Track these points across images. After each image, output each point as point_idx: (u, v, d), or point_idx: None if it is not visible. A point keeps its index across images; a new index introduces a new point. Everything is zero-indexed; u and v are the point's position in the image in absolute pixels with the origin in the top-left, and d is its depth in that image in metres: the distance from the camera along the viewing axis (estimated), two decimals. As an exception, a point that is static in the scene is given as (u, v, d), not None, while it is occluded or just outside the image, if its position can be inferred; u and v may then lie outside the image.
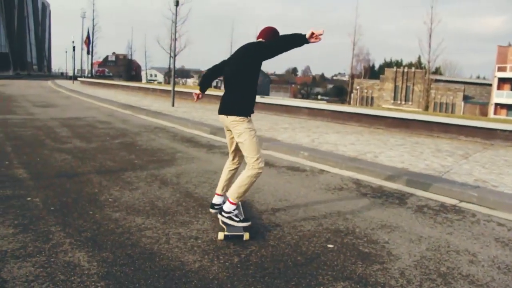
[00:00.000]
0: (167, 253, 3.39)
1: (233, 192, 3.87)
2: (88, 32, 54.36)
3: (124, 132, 9.97)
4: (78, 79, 48.27)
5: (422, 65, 73.35)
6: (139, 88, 29.95)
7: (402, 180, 6.14)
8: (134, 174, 5.88)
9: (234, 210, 3.87)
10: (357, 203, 5.04)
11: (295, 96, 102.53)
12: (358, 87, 67.37)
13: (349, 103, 65.63)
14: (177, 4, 16.39)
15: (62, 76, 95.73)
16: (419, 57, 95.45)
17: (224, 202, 4.06)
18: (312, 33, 3.51)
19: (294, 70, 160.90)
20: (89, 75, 60.89)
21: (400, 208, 4.96)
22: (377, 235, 4.04)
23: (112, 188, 5.12)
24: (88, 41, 52.64)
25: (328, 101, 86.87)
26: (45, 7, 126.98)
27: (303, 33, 3.56)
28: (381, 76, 67.01)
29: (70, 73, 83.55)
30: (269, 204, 4.83)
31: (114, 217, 4.12)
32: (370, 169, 6.65)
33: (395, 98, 64.11)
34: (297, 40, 3.58)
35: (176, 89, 17.94)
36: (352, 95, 70.42)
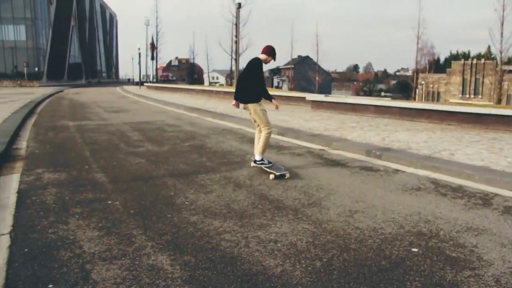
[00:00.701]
0: (247, 257, 3.35)
1: (257, 149, 6.39)
2: (152, 38, 56.26)
3: (193, 135, 10.15)
4: (144, 84, 50.05)
5: (493, 56, 69.32)
6: (203, 91, 30.53)
7: (484, 179, 5.76)
8: (207, 176, 5.94)
9: (262, 159, 6.31)
10: (437, 204, 4.78)
11: (357, 94, 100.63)
12: (423, 82, 64.95)
13: (414, 99, 63.55)
14: (239, 6, 16.49)
15: (129, 82, 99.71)
16: (489, 47, 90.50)
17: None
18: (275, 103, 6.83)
19: (356, 67, 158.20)
20: (154, 80, 62.94)
21: (485, 209, 4.64)
22: (463, 238, 3.79)
23: (187, 191, 5.18)
24: (152, 47, 54.43)
25: (392, 98, 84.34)
26: (112, 17, 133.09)
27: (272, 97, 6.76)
28: (447, 69, 64.14)
29: (136, 79, 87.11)
30: (346, 206, 4.69)
31: (192, 220, 4.15)
32: (447, 168, 6.30)
33: (463, 92, 61.12)
34: (267, 95, 6.68)
35: (240, 90, 18.08)
36: (417, 90, 68.03)
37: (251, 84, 6.40)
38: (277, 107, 6.90)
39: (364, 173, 6.28)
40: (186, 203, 4.72)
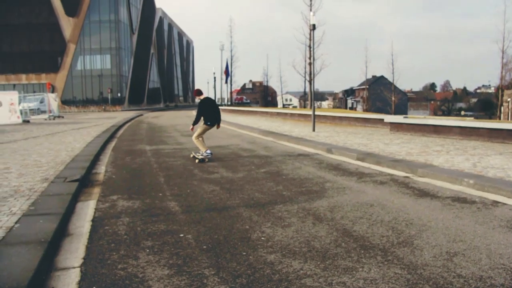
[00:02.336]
0: (334, 310, 2.90)
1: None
2: (226, 62, 57.53)
3: (269, 160, 9.85)
4: (219, 107, 51.04)
5: None
6: (277, 114, 30.43)
7: None
8: (284, 207, 5.54)
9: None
10: (558, 247, 4.03)
11: (435, 113, 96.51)
12: (509, 100, 60.63)
13: (499, 118, 59.42)
14: (313, 28, 16.18)
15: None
16: None
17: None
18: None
19: (432, 85, 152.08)
20: (229, 103, 64.13)
21: None
22: None
23: (263, 225, 4.81)
24: (227, 71, 55.57)
25: (473, 117, 79.84)
26: (189, 44, 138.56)
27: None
28: (538, 85, 59.51)
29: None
30: (442, 246, 4.08)
31: (269, 260, 3.76)
32: (562, 200, 5.46)
33: (558, 109, 56.34)
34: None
35: (315, 113, 17.60)
36: (502, 108, 63.73)
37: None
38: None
39: (457, 206, 5.58)
40: (262, 238, 4.34)
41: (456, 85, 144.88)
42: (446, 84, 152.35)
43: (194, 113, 46.26)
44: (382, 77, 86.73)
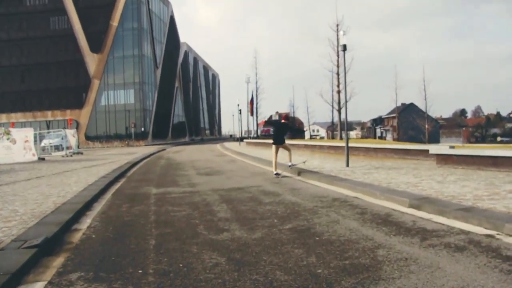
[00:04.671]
0: None
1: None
2: (252, 94, 56.12)
3: (296, 210, 7.72)
4: (244, 140, 49.31)
5: None
6: (305, 146, 28.40)
7: None
8: (322, 307, 3.45)
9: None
10: None
11: (468, 140, 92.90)
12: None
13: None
14: (344, 48, 14.25)
15: (231, 138, 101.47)
16: None
17: None
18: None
19: (463, 111, 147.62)
20: (255, 135, 62.40)
21: None
22: None
23: None
24: (252, 103, 54.06)
25: (509, 143, 76.24)
26: (214, 77, 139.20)
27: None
28: None
29: (238, 135, 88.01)
30: None
31: None
32: None
33: None
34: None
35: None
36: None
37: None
38: None
39: None
40: None
41: (487, 110, 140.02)
42: (478, 110, 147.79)
43: (218, 147, 44.86)
44: (412, 104, 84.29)
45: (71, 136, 32.19)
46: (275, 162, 13.45)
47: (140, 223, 7.04)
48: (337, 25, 34.92)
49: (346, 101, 15.71)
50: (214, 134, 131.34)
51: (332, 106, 41.25)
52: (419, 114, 70.90)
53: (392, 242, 5.29)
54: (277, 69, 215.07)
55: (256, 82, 61.78)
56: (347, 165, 14.26)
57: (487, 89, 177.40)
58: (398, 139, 65.87)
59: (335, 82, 35.02)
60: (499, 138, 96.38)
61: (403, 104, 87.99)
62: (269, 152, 26.68)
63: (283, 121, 14.01)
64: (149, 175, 15.68)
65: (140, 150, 37.90)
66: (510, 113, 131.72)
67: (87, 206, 8.80)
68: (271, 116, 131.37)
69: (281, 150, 13.68)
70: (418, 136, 67.45)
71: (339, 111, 35.35)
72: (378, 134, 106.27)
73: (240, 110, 51.68)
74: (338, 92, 34.77)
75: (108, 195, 10.63)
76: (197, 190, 10.77)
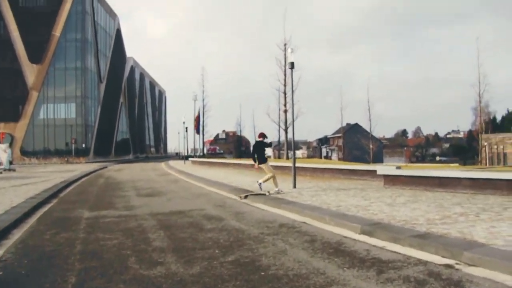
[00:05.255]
0: None
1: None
2: (199, 112, 55.21)
3: (240, 237, 7.05)
4: (190, 159, 48.24)
5: None
6: (252, 166, 27.82)
7: None
8: None
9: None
10: None
11: (410, 160, 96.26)
12: (486, 144, 59.86)
13: (480, 163, 58.36)
14: (292, 66, 13.91)
15: (177, 156, 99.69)
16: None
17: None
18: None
19: (404, 132, 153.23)
20: (201, 154, 61.37)
21: None
22: None
23: None
24: (198, 121, 53.14)
25: (447, 162, 79.56)
26: (161, 93, 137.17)
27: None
28: (514, 128, 59.06)
29: (184, 153, 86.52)
30: None
31: None
32: None
33: (534, 152, 55.58)
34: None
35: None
36: (480, 153, 62.86)
37: None
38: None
39: None
40: None
41: (426, 131, 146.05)
42: (417, 130, 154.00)
43: (162, 165, 43.49)
44: (356, 124, 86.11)
45: (2, 152, 30.01)
46: (271, 178, 13.11)
47: (63, 255, 6.14)
48: (285, 44, 34.98)
49: (293, 120, 15.45)
50: (159, 151, 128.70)
51: (279, 125, 41.13)
52: (363, 134, 72.42)
53: (346, 276, 4.74)
54: (226, 87, 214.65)
55: (203, 100, 60.80)
56: (294, 186, 13.80)
57: (426, 111, 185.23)
58: (344, 159, 66.78)
59: (282, 101, 34.94)
60: (438, 158, 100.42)
61: (348, 124, 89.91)
62: (214, 172, 25.96)
63: (259, 139, 13.63)
64: (85, 196, 14.53)
65: (79, 168, 36.02)
66: (446, 134, 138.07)
67: (3, 233, 7.74)
68: (217, 135, 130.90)
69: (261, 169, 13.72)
70: (363, 155, 68.75)
71: (285, 130, 35.19)
72: (324, 153, 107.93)
73: (186, 128, 50.68)
74: (285, 111, 34.65)
75: (33, 220, 9.53)
76: (134, 214, 9.89)
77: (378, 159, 74.93)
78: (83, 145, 60.78)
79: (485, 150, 60.17)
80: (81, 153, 58.54)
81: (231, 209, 10.37)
